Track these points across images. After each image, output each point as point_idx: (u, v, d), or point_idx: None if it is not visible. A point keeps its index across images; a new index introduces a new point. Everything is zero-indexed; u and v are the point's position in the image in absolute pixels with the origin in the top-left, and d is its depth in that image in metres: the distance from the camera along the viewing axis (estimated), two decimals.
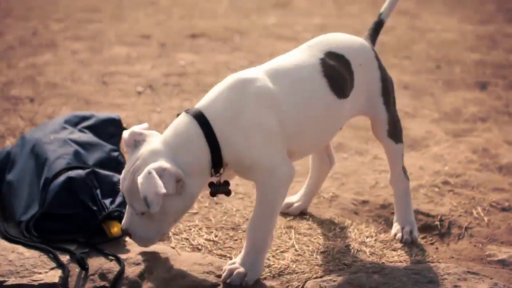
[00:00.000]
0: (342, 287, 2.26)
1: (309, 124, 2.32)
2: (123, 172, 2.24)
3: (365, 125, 3.42)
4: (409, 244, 2.60)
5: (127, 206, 2.24)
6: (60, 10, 7.02)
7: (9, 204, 2.79)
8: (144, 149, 2.17)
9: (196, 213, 2.80)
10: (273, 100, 2.25)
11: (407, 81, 4.78)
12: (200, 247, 2.55)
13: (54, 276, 2.34)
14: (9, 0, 7.32)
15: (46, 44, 5.52)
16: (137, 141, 2.22)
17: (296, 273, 2.38)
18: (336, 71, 2.37)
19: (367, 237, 2.67)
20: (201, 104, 2.24)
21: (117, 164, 2.88)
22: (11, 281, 2.33)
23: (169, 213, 2.19)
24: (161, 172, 2.06)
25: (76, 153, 2.79)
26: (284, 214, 2.78)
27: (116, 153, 2.95)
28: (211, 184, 2.30)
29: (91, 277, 2.38)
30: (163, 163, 2.08)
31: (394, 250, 2.56)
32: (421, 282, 2.29)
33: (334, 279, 2.34)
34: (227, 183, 2.31)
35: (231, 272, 2.29)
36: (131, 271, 2.37)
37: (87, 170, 2.68)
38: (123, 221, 2.26)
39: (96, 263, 2.42)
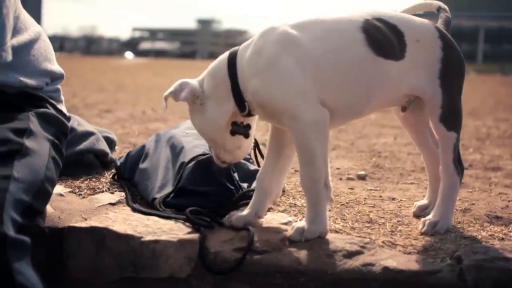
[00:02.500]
0: (495, 252, 2.14)
1: (341, 73, 2.27)
2: None
3: None
4: (429, 235, 2.41)
5: None
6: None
7: (143, 187, 2.80)
8: None
9: (329, 211, 2.73)
10: (294, 45, 2.26)
11: None
12: (338, 230, 2.46)
13: (192, 236, 2.30)
14: (119, 94, 7.69)
15: (155, 119, 5.72)
16: None
17: (441, 249, 2.26)
18: (379, 31, 2.32)
19: (510, 231, 2.53)
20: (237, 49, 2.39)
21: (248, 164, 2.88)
22: (148, 237, 2.30)
23: (200, 128, 2.43)
24: (184, 85, 2.34)
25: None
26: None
27: (247, 156, 2.96)
28: (232, 123, 2.38)
29: (230, 240, 2.32)
30: (187, 79, 2.36)
31: None
32: None
33: (486, 245, 2.23)
34: (248, 126, 2.40)
35: (293, 228, 2.32)
36: (272, 236, 2.31)
37: None
38: None
39: (230, 234, 2.37)
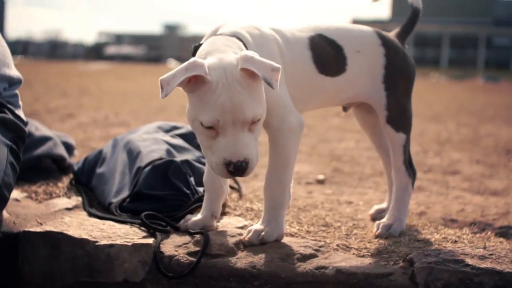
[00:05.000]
0: (447, 254, 2.17)
1: (294, 82, 2.33)
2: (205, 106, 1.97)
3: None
4: (383, 237, 2.46)
5: (225, 136, 1.97)
6: (129, 103, 7.30)
7: (100, 192, 2.79)
8: (221, 63, 1.99)
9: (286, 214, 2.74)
10: (280, 46, 2.30)
11: None
12: (293, 234, 2.48)
13: (147, 240, 2.30)
14: (82, 99, 7.65)
15: (118, 124, 5.69)
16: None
17: (395, 252, 2.29)
18: (321, 49, 2.40)
19: (463, 234, 2.59)
20: (226, 30, 2.20)
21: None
22: (103, 242, 2.29)
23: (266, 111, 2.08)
24: (248, 58, 1.96)
25: (168, 151, 2.83)
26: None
27: (204, 160, 2.96)
28: None
29: (185, 245, 2.32)
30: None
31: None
32: None
33: (439, 247, 2.26)
34: None
35: (249, 231, 2.30)
36: (227, 240, 2.31)
37: (182, 159, 2.70)
38: (231, 152, 1.96)
39: (185, 238, 2.38)
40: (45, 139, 3.23)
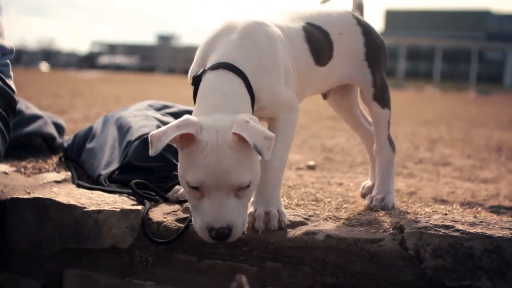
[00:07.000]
0: (437, 221, 2.16)
1: (298, 77, 2.31)
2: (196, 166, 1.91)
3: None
4: (378, 211, 2.43)
5: (210, 199, 1.92)
6: (122, 104, 7.27)
7: (89, 166, 2.78)
8: (214, 124, 1.92)
9: None
10: (283, 43, 2.24)
11: None
12: (285, 207, 2.47)
13: (136, 207, 2.29)
14: (75, 100, 7.60)
15: None
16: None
17: (385, 221, 2.28)
18: (316, 40, 2.38)
19: (454, 209, 2.58)
20: (224, 57, 2.09)
21: None
22: (92, 208, 2.28)
23: (258, 177, 2.03)
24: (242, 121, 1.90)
25: (158, 127, 2.80)
26: None
27: None
28: None
29: (174, 212, 2.31)
30: (246, 115, 1.94)
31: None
32: None
33: (429, 216, 2.26)
34: None
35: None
36: None
37: None
38: (214, 217, 1.92)
39: (174, 206, 2.37)
40: (35, 118, 3.21)
